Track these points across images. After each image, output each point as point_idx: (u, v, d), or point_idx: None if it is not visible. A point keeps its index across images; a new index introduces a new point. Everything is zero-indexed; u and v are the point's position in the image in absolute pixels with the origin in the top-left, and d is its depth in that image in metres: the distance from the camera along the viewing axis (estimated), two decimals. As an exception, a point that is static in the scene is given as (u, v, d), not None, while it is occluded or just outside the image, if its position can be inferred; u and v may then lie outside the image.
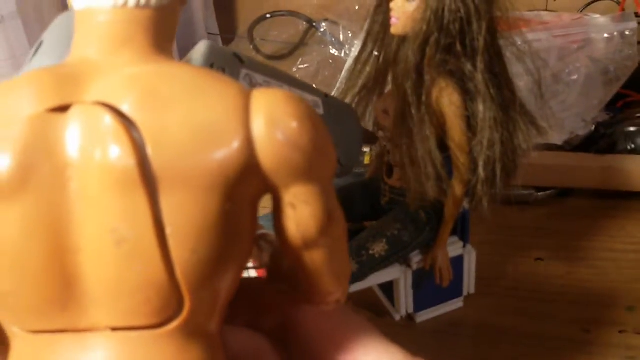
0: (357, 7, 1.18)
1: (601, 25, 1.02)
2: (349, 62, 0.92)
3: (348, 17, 1.17)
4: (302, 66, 1.19)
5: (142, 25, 0.28)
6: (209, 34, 1.38)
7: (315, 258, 0.31)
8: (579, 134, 0.91)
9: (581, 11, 1.16)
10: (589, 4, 1.18)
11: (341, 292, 0.33)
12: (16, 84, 0.28)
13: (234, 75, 0.42)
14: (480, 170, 0.57)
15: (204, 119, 0.27)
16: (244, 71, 0.42)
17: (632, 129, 0.89)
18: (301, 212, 0.29)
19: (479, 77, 0.54)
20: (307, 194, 0.29)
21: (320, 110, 0.46)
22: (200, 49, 0.41)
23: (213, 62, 0.41)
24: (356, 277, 0.62)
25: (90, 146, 0.27)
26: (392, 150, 0.63)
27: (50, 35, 0.39)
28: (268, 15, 1.27)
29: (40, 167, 0.27)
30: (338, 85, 0.85)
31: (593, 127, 0.93)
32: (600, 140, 0.91)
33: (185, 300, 0.28)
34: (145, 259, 0.27)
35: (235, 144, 0.27)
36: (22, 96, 0.27)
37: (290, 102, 0.28)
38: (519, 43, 0.58)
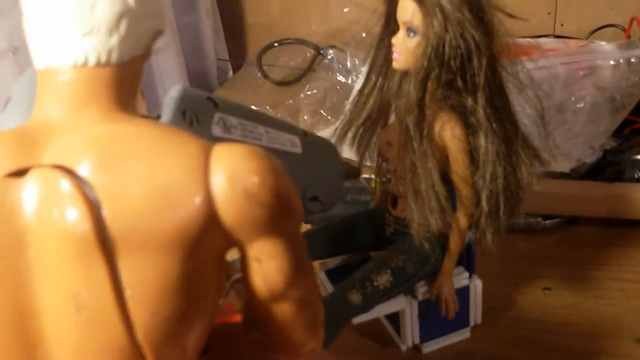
0: (363, 34, 1.19)
1: (607, 52, 1.03)
2: (354, 91, 0.92)
3: (355, 44, 1.19)
4: (309, 92, 1.20)
5: (104, 83, 0.29)
6: (218, 59, 1.40)
7: (284, 310, 0.31)
8: (587, 162, 0.91)
9: (587, 38, 1.17)
10: (595, 31, 1.18)
11: (314, 342, 0.33)
12: None
13: (207, 119, 0.42)
14: (484, 204, 0.57)
15: (162, 180, 0.27)
16: (217, 115, 0.43)
17: (639, 157, 0.89)
18: (267, 266, 0.29)
19: (480, 111, 0.55)
20: (272, 248, 0.29)
21: (299, 149, 0.47)
22: (172, 95, 0.42)
23: (185, 109, 0.41)
24: (361, 309, 0.62)
25: (46, 210, 0.26)
26: (396, 182, 0.63)
27: (18, 91, 0.40)
28: (275, 44, 1.29)
29: None
30: (344, 114, 0.86)
31: (600, 154, 0.92)
32: (607, 168, 0.91)
33: None
34: (106, 324, 0.27)
35: (195, 203, 0.27)
36: None
37: (251, 156, 0.28)
38: (522, 74, 0.59)
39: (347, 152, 0.69)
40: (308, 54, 1.28)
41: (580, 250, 0.84)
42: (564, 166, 0.89)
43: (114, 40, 0.29)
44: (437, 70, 0.53)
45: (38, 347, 0.28)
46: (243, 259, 0.30)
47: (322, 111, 1.17)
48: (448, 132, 0.57)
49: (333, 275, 0.67)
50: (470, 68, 0.53)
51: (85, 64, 0.29)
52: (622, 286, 0.77)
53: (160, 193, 0.27)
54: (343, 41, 1.22)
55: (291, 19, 1.34)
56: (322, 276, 0.68)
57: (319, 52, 1.26)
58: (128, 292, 0.27)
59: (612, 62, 1.00)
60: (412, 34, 0.55)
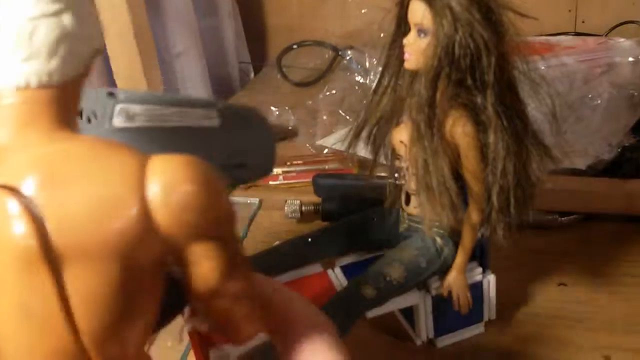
0: (382, 35, 1.20)
1: (626, 49, 1.03)
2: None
3: (372, 44, 1.20)
4: (328, 93, 1.22)
5: (46, 103, 0.30)
6: (240, 62, 1.42)
7: (221, 305, 0.33)
8: (604, 158, 0.91)
9: (606, 35, 1.16)
10: (615, 27, 1.18)
11: (256, 328, 0.36)
12: None
13: (108, 113, 0.45)
14: (494, 199, 0.58)
15: (101, 193, 0.29)
16: (119, 107, 0.45)
17: (658, 153, 0.89)
18: (203, 267, 0.31)
19: (490, 108, 0.56)
20: (207, 250, 0.31)
21: (215, 122, 0.48)
22: None
23: (82, 108, 0.43)
24: (374, 302, 0.63)
25: None
26: (409, 179, 0.64)
27: None
28: (294, 46, 1.31)
29: None
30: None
31: (618, 151, 0.92)
32: (625, 165, 0.91)
33: None
34: (53, 330, 0.29)
35: (132, 213, 0.29)
36: None
37: (185, 166, 0.30)
38: (534, 72, 0.60)
39: (362, 151, 0.71)
40: (326, 55, 1.30)
41: (597, 246, 0.84)
42: (581, 163, 0.89)
43: (54, 63, 0.30)
44: (447, 69, 0.55)
45: None
46: (182, 263, 0.33)
47: (340, 111, 1.18)
48: (459, 129, 0.58)
49: (348, 270, 0.69)
50: (480, 67, 0.54)
51: (27, 86, 0.30)
52: (638, 282, 0.77)
53: (100, 206, 0.29)
54: (361, 42, 1.23)
55: (309, 21, 1.36)
56: (337, 272, 0.69)
57: (337, 53, 1.28)
58: (73, 301, 0.29)
59: (630, 59, 1.00)
60: (422, 35, 0.56)
